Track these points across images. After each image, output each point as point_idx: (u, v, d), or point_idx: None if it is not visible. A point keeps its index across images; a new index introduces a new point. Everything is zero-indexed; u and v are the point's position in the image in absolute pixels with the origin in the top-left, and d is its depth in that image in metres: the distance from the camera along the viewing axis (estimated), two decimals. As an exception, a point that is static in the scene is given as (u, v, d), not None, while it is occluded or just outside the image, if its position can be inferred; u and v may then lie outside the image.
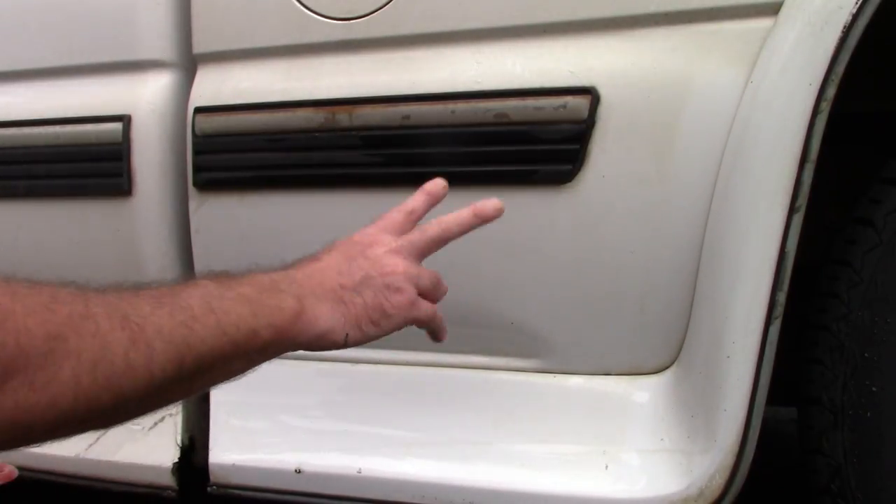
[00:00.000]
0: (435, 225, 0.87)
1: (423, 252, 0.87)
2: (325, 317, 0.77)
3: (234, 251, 1.19)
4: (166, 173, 1.24)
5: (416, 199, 0.91)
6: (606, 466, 1.04)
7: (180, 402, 1.26)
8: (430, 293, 0.86)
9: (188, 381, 0.68)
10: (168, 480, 1.22)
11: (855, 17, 0.89)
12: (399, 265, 0.83)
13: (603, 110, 1.01)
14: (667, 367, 1.07)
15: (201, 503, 1.23)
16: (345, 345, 0.79)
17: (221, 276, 0.75)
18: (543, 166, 1.03)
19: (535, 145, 1.03)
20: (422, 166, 1.07)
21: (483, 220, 0.88)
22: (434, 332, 0.89)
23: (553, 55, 1.04)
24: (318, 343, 0.78)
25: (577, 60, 1.02)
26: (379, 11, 1.10)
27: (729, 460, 0.96)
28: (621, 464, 1.04)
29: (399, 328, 0.83)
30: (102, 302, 0.63)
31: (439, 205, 0.92)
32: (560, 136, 1.02)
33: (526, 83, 1.04)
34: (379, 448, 1.14)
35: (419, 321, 0.85)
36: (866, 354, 0.98)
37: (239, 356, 0.71)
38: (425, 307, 0.85)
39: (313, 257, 0.84)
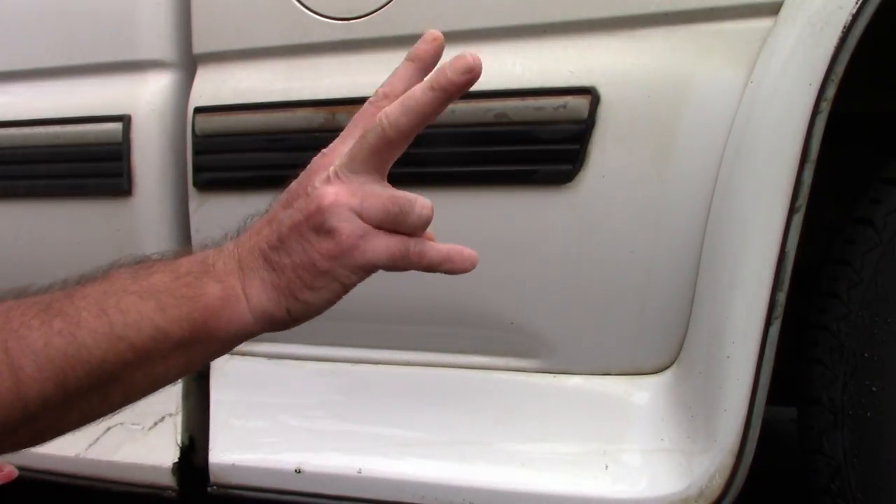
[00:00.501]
0: (381, 118, 0.60)
1: (369, 164, 0.61)
2: (256, 296, 0.62)
3: (234, 251, 1.19)
4: (166, 173, 1.24)
5: (393, 74, 0.65)
6: (606, 466, 1.04)
7: (180, 401, 1.26)
8: (392, 222, 0.60)
9: (91, 397, 0.60)
10: (168, 480, 1.22)
11: (855, 17, 0.89)
12: (326, 195, 0.60)
13: (603, 110, 1.01)
14: (667, 367, 1.07)
15: (201, 503, 1.23)
16: (293, 321, 0.63)
17: (140, 264, 0.64)
18: (543, 166, 1.03)
19: (535, 145, 1.03)
20: (421, 166, 1.07)
21: (450, 87, 0.59)
22: (431, 269, 0.63)
23: (553, 55, 1.04)
24: (258, 327, 0.63)
25: (577, 60, 1.02)
26: (379, 11, 1.10)
27: (729, 460, 0.96)
28: (621, 464, 1.04)
29: (352, 284, 0.62)
30: None
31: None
32: (560, 136, 1.02)
33: (526, 83, 1.04)
34: (379, 448, 1.14)
35: (379, 266, 0.61)
36: (866, 354, 0.98)
37: (151, 360, 0.61)
38: (384, 246, 0.60)
39: (268, 208, 0.66)
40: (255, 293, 0.62)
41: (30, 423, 0.59)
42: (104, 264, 0.65)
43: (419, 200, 0.61)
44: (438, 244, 0.63)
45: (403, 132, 0.60)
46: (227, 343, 0.64)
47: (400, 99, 0.60)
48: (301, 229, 0.60)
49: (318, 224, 0.60)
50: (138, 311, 0.60)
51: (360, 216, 0.60)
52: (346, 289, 0.62)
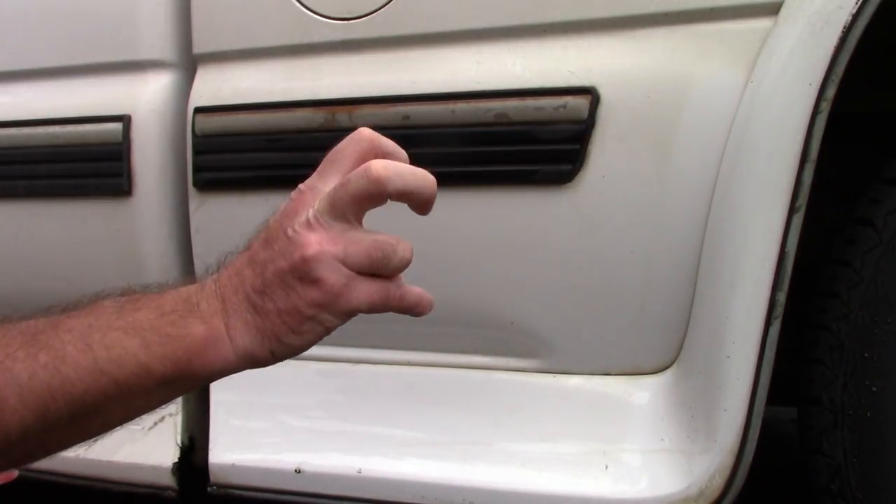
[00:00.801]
0: (368, 171, 0.60)
1: (349, 212, 0.61)
2: (240, 337, 0.63)
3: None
4: (166, 173, 1.24)
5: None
6: (606, 466, 1.04)
7: (180, 401, 1.26)
8: (373, 268, 0.62)
9: (69, 427, 0.61)
10: (168, 480, 1.22)
11: (855, 17, 0.89)
12: (309, 244, 0.60)
13: (603, 110, 1.01)
14: (667, 367, 1.07)
15: (201, 503, 1.23)
16: (276, 360, 0.65)
17: (126, 296, 0.65)
18: (543, 166, 1.03)
19: (535, 145, 1.03)
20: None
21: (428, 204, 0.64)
22: (406, 311, 0.65)
23: (553, 55, 1.04)
24: (240, 366, 0.65)
25: (577, 60, 1.02)
26: (379, 11, 1.10)
27: (729, 460, 0.96)
28: (621, 464, 1.04)
29: (335, 327, 0.64)
30: None
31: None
32: (560, 136, 1.02)
33: (526, 83, 1.04)
34: (379, 448, 1.14)
35: (361, 311, 0.63)
36: (866, 354, 0.98)
37: (132, 395, 0.62)
38: (367, 293, 0.62)
39: (247, 244, 0.66)
40: (238, 335, 0.63)
41: (9, 451, 0.60)
42: (89, 294, 0.66)
43: (400, 244, 0.62)
44: (411, 287, 0.65)
45: (387, 192, 0.61)
46: (207, 379, 0.65)
47: (395, 163, 0.62)
48: (285, 277, 0.61)
49: (303, 274, 0.61)
50: (123, 347, 0.61)
51: (345, 264, 0.61)
52: (329, 331, 0.64)
